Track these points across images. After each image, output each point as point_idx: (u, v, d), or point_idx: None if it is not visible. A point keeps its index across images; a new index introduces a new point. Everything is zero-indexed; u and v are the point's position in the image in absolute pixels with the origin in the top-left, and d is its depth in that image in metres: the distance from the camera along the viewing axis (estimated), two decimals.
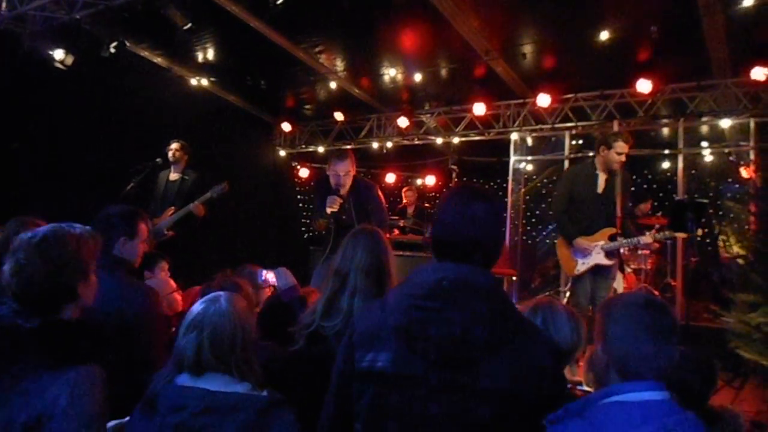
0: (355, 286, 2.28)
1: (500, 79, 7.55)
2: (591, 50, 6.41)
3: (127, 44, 6.54)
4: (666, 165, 9.45)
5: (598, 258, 4.79)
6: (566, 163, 8.25)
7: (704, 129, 7.91)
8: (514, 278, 7.96)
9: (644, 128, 8.04)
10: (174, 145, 5.80)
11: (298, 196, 11.19)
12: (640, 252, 7.11)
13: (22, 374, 1.63)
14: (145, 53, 7.64)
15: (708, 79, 7.10)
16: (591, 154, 5.13)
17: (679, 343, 1.53)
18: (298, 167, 10.94)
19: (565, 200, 4.97)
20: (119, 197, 5.23)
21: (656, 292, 7.15)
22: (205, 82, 8.29)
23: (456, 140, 9.02)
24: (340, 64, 7.91)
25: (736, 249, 7.19)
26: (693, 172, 8.47)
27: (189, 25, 6.01)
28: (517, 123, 8.47)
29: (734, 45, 6.20)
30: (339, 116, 9.23)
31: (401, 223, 8.43)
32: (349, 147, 9.38)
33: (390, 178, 11.12)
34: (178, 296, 3.74)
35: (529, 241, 10.05)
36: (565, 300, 6.22)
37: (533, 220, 10.20)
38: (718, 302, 5.12)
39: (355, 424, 1.55)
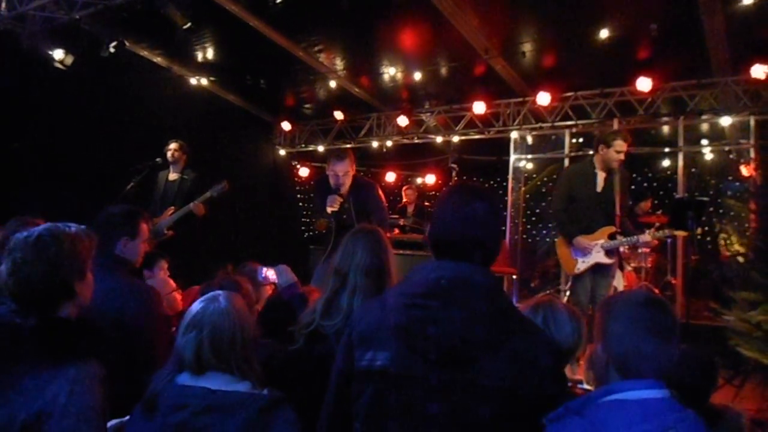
0: (355, 285, 2.28)
1: (500, 77, 7.55)
2: (591, 48, 6.41)
3: (127, 44, 6.54)
4: (666, 163, 9.45)
5: (598, 257, 4.79)
6: (566, 162, 8.25)
7: (704, 127, 7.91)
8: (514, 277, 7.96)
9: (644, 126, 8.05)
10: (172, 146, 5.80)
11: (298, 196, 11.19)
12: (640, 250, 7.11)
13: (22, 372, 1.63)
14: (145, 53, 7.64)
15: (708, 77, 7.09)
16: (591, 152, 5.12)
17: (679, 341, 1.53)
18: (298, 166, 10.94)
19: (564, 199, 4.96)
20: (119, 197, 5.23)
21: (657, 291, 7.14)
22: (204, 81, 8.29)
23: (456, 139, 9.02)
24: (339, 63, 7.91)
25: (736, 247, 7.19)
26: (693, 170, 8.47)
27: (188, 24, 6.01)
28: (517, 121, 8.47)
29: (734, 43, 6.20)
30: (339, 115, 9.23)
31: (401, 222, 8.43)
32: (348, 146, 9.39)
33: (390, 177, 11.12)
34: (177, 296, 3.73)
35: (530, 240, 10.05)
36: (565, 299, 6.21)
37: (533, 218, 10.20)
38: (719, 300, 5.12)
39: (354, 423, 1.55)
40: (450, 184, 7.67)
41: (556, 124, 8.18)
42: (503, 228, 8.65)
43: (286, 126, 9.97)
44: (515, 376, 1.42)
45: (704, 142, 8.15)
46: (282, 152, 10.54)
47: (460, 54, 7.02)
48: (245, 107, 9.45)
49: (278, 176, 10.49)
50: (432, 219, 1.68)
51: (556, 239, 5.19)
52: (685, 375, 2.06)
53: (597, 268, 4.83)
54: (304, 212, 11.21)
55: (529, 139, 8.79)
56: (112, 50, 6.28)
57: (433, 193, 10.99)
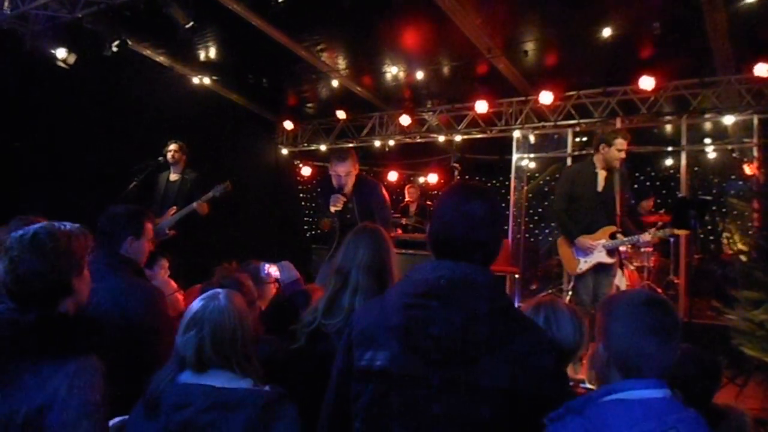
0: (357, 284, 2.28)
1: (502, 76, 7.53)
2: (593, 47, 6.40)
3: (129, 43, 6.54)
4: (669, 162, 9.44)
5: (600, 256, 4.79)
6: (569, 161, 8.24)
7: (707, 126, 7.89)
8: (516, 276, 7.95)
9: (647, 125, 8.04)
10: (172, 147, 5.81)
11: (301, 195, 11.20)
12: (643, 250, 7.09)
13: (22, 368, 1.64)
14: (147, 52, 7.65)
15: (711, 75, 7.08)
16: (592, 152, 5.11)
17: (680, 341, 1.52)
18: (301, 165, 10.95)
19: (565, 199, 4.96)
20: (121, 196, 5.24)
21: (659, 290, 7.13)
22: (207, 80, 8.30)
23: (458, 138, 9.02)
24: (342, 62, 7.91)
25: (739, 246, 7.17)
26: (696, 169, 8.46)
27: (191, 23, 6.01)
28: (519, 120, 8.45)
29: (737, 41, 6.18)
30: (341, 114, 9.23)
31: (403, 221, 8.44)
32: (351, 145, 9.40)
33: (392, 176, 11.12)
34: (179, 296, 3.73)
35: (532, 239, 10.03)
36: (567, 298, 6.21)
37: (536, 217, 10.19)
38: (722, 299, 5.11)
39: (354, 423, 1.55)
40: (451, 183, 7.68)
41: (559, 123, 8.17)
42: (505, 227, 8.65)
43: (288, 125, 9.97)
44: (516, 376, 1.42)
45: (707, 140, 8.13)
46: (284, 151, 10.55)
47: (463, 53, 7.01)
48: (247, 106, 9.45)
49: (280, 175, 10.49)
50: (432, 218, 1.68)
51: (557, 239, 5.18)
52: (689, 375, 2.05)
53: (599, 268, 4.83)
54: (307, 211, 11.22)
55: (532, 138, 8.78)
56: (114, 49, 6.29)
57: (436, 192, 10.99)
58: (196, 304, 1.82)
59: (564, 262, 5.08)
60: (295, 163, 10.91)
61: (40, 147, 6.15)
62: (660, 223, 6.17)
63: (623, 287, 6.10)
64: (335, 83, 8.27)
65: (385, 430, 1.48)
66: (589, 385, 2.41)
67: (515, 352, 1.45)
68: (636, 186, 9.55)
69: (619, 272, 5.26)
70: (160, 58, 7.84)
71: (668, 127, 8.20)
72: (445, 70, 7.69)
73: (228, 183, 5.45)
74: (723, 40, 6.14)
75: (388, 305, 1.59)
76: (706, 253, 7.90)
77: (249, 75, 8.17)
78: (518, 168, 8.86)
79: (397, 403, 1.47)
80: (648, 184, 9.71)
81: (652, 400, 1.42)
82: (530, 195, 9.38)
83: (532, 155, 8.95)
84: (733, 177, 8.46)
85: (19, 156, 6.01)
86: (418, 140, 9.45)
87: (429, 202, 9.05)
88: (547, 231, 10.01)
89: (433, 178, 10.89)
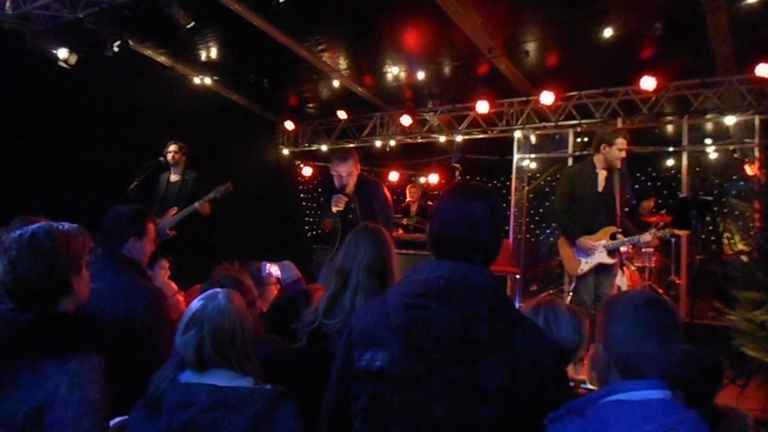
0: (358, 283, 2.28)
1: (503, 76, 7.54)
2: (594, 47, 6.39)
3: (131, 43, 6.55)
4: (670, 162, 9.43)
5: (601, 257, 4.79)
6: (570, 161, 8.24)
7: (708, 126, 7.88)
8: (517, 276, 7.95)
9: (648, 126, 8.02)
10: (172, 147, 5.82)
11: (301, 195, 11.19)
12: (644, 250, 7.09)
13: (23, 367, 1.64)
14: (149, 52, 7.66)
15: (712, 76, 7.07)
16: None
17: (681, 341, 1.52)
18: (302, 166, 10.95)
19: (566, 200, 4.96)
20: (122, 196, 5.24)
21: (660, 290, 7.13)
22: (208, 80, 8.30)
23: (459, 138, 9.01)
24: (343, 63, 7.92)
25: (740, 246, 7.17)
26: (697, 169, 8.45)
27: (192, 23, 6.03)
28: (520, 121, 8.45)
29: (739, 41, 6.17)
30: (342, 115, 9.23)
31: (404, 222, 8.44)
32: (352, 145, 9.39)
33: (393, 176, 11.12)
34: (180, 298, 3.73)
35: (533, 239, 10.03)
36: (568, 299, 6.20)
37: (537, 218, 10.18)
38: (723, 300, 5.10)
39: (354, 423, 1.55)
40: (451, 183, 7.68)
41: (560, 123, 8.17)
42: (506, 228, 8.64)
43: (289, 125, 9.97)
44: (516, 377, 1.42)
45: (708, 141, 8.12)
46: (285, 151, 10.55)
47: (464, 53, 7.01)
48: (248, 106, 9.46)
49: (281, 175, 10.50)
50: (432, 218, 1.67)
51: (558, 239, 5.18)
52: (691, 376, 2.05)
53: (600, 268, 4.83)
54: (308, 211, 11.22)
55: (533, 139, 8.77)
56: (115, 49, 6.29)
57: (437, 192, 10.98)
58: (196, 303, 1.83)
59: (565, 262, 5.07)
60: (296, 163, 10.91)
61: (41, 147, 6.16)
62: (661, 224, 6.17)
63: (624, 288, 6.09)
64: (336, 83, 8.27)
65: (385, 431, 1.48)
66: (590, 386, 2.41)
67: (515, 352, 1.44)
68: (637, 186, 9.53)
69: (620, 272, 5.26)
70: (161, 58, 7.85)
71: (669, 128, 8.19)
72: (446, 70, 7.69)
73: (229, 184, 5.46)
74: (724, 40, 6.14)
75: (388, 305, 1.58)
76: (708, 254, 7.89)
77: (250, 75, 8.18)
78: (519, 168, 8.85)
79: (398, 404, 1.47)
80: (649, 184, 9.70)
81: (652, 401, 1.42)
82: (531, 195, 9.37)
83: (533, 155, 8.95)
84: (734, 177, 8.45)
85: (20, 156, 6.01)
86: (419, 140, 9.45)
87: (430, 203, 9.05)
88: (548, 231, 10.01)
89: (434, 179, 10.88)
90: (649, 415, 1.38)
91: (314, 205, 11.24)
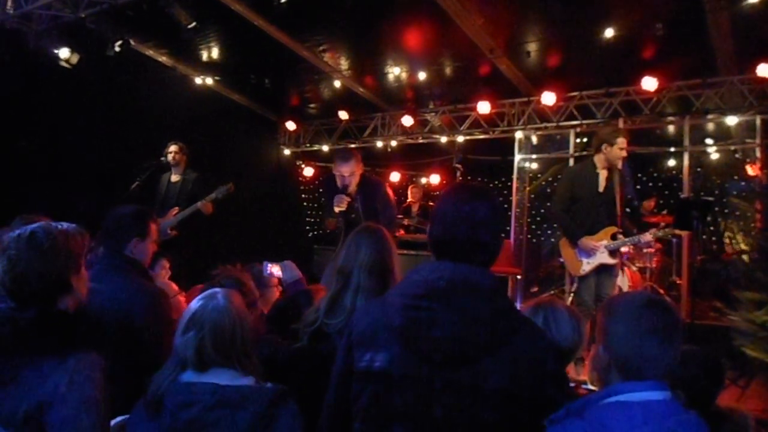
0: (359, 284, 2.27)
1: (505, 77, 7.53)
2: (596, 48, 6.39)
3: (132, 43, 6.56)
4: (671, 163, 9.41)
5: (603, 257, 4.79)
6: (571, 161, 8.23)
7: (710, 126, 7.88)
8: (518, 277, 7.95)
9: (649, 126, 8.02)
10: (172, 148, 5.83)
11: (303, 195, 11.20)
12: (645, 250, 7.09)
13: (23, 365, 1.65)
14: (150, 52, 7.66)
15: (714, 76, 7.06)
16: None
17: (681, 342, 1.52)
18: (303, 166, 10.94)
19: (566, 200, 4.95)
20: (123, 196, 5.25)
21: (662, 291, 7.12)
22: (209, 80, 8.30)
23: (460, 139, 9.00)
24: (344, 63, 7.91)
25: (742, 247, 7.17)
26: (699, 169, 8.44)
27: (193, 23, 6.03)
28: (521, 121, 8.45)
29: (740, 41, 6.17)
30: (343, 115, 9.23)
31: (405, 222, 8.43)
32: (353, 146, 9.38)
33: (394, 176, 11.11)
34: (182, 298, 3.73)
35: (534, 240, 10.03)
36: (569, 299, 6.20)
37: (538, 218, 10.17)
38: (724, 300, 5.10)
39: (354, 423, 1.55)
40: (452, 183, 7.68)
41: (561, 123, 8.16)
42: (507, 228, 8.64)
43: (290, 125, 9.98)
44: (517, 378, 1.42)
45: (710, 141, 8.12)
46: (286, 152, 10.55)
47: (465, 54, 7.00)
48: (250, 107, 9.46)
49: (283, 176, 10.50)
50: (432, 219, 1.67)
51: (560, 240, 5.18)
52: (692, 376, 2.05)
53: (601, 269, 4.83)
54: (309, 212, 11.22)
55: (534, 139, 8.76)
56: (117, 49, 6.30)
57: (438, 193, 10.98)
58: (195, 303, 1.83)
59: (567, 263, 5.07)
60: (298, 163, 10.91)
61: (42, 147, 6.17)
62: (662, 224, 6.17)
63: (625, 288, 6.09)
64: (337, 84, 8.27)
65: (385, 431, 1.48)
66: (591, 386, 2.41)
67: (516, 353, 1.44)
68: (638, 187, 9.53)
69: (621, 273, 5.26)
70: (163, 59, 7.86)
71: (671, 128, 8.18)
72: (448, 70, 7.69)
73: (231, 184, 5.47)
74: (726, 41, 6.13)
75: (388, 306, 1.58)
76: (709, 254, 7.88)
77: (251, 75, 8.19)
78: (520, 169, 8.84)
79: (398, 405, 1.47)
80: (650, 184, 9.69)
81: (652, 403, 1.41)
82: (532, 196, 9.36)
83: (534, 156, 8.94)
84: (735, 178, 8.43)
85: (22, 155, 6.02)
86: (421, 141, 9.45)
87: (431, 203, 9.04)
88: (549, 232, 10.00)
89: (435, 179, 10.88)
90: (649, 416, 1.38)
91: (315, 205, 11.24)
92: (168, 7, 5.78)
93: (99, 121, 6.58)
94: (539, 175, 9.47)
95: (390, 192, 4.44)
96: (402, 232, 8.23)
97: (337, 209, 4.20)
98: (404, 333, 1.50)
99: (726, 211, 8.46)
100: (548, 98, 7.66)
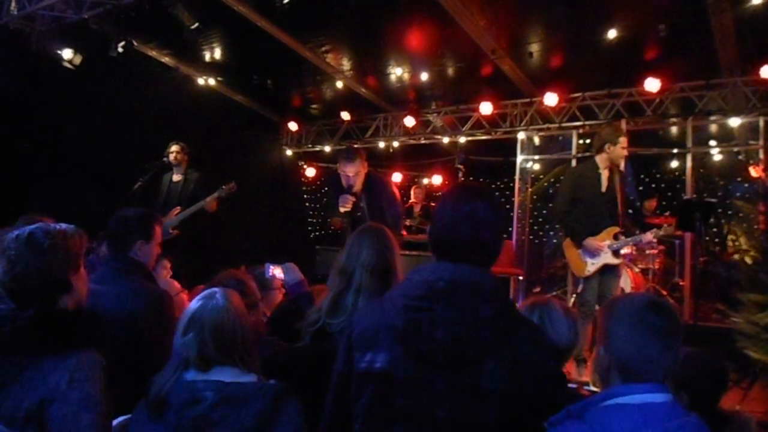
0: (360, 284, 2.27)
1: (507, 78, 7.52)
2: (598, 49, 6.39)
3: (135, 44, 6.57)
4: (674, 164, 9.40)
5: (607, 257, 4.80)
6: (574, 162, 8.21)
7: (713, 128, 7.87)
8: (520, 278, 7.93)
9: (652, 127, 8.00)
10: (174, 148, 5.85)
11: (305, 195, 11.20)
12: (647, 252, 7.07)
13: (24, 364, 1.66)
14: (153, 53, 7.68)
15: (717, 77, 7.05)
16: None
17: (681, 344, 1.51)
18: (305, 166, 10.95)
19: (568, 201, 4.95)
20: (126, 197, 5.26)
21: (664, 292, 7.11)
22: (212, 81, 8.32)
23: (463, 140, 9.01)
24: (346, 64, 7.92)
25: (745, 248, 7.14)
26: (702, 171, 8.42)
27: (196, 24, 6.04)
28: (524, 122, 8.45)
29: (743, 43, 6.15)
30: (345, 115, 9.24)
31: (408, 222, 8.43)
32: (355, 146, 9.38)
33: (396, 177, 11.11)
34: (184, 296, 3.73)
35: (536, 241, 10.02)
36: (571, 300, 6.19)
37: (540, 219, 10.16)
38: (727, 302, 5.09)
39: (354, 424, 1.55)
40: (452, 184, 7.67)
41: (564, 124, 8.16)
42: (510, 229, 8.63)
43: (292, 126, 9.99)
44: (518, 378, 1.42)
45: (713, 143, 8.10)
46: (289, 152, 10.56)
47: (467, 54, 7.00)
48: (252, 107, 9.47)
49: (285, 176, 10.51)
50: (432, 219, 1.67)
51: (563, 241, 5.17)
52: (696, 379, 2.05)
53: (605, 269, 4.84)
54: (311, 212, 11.22)
55: (536, 140, 8.76)
56: (120, 50, 6.32)
57: (440, 194, 10.96)
58: (194, 304, 1.83)
59: (571, 264, 5.07)
60: (300, 164, 10.92)
61: (45, 147, 6.18)
62: (666, 225, 6.16)
63: (628, 289, 6.08)
64: (340, 84, 8.27)
65: None
66: (593, 388, 2.40)
67: (517, 353, 1.44)
68: (641, 188, 9.53)
69: (623, 274, 5.26)
70: (166, 59, 7.87)
71: (674, 129, 8.17)
72: (450, 71, 7.69)
73: (233, 184, 5.48)
74: (729, 42, 6.12)
75: (388, 307, 1.58)
76: (712, 256, 7.87)
77: (254, 76, 8.20)
78: (523, 170, 8.83)
79: (400, 406, 1.47)
80: (653, 186, 9.67)
81: (653, 405, 1.41)
82: (535, 197, 9.36)
83: (536, 157, 8.93)
84: (738, 179, 8.43)
85: (25, 156, 6.03)
86: (423, 141, 9.46)
87: (433, 204, 9.03)
88: (551, 233, 9.99)
89: (437, 180, 10.88)
90: (649, 418, 1.37)
91: (317, 205, 11.24)
92: (171, 7, 5.80)
93: (102, 122, 6.59)
94: (541, 176, 9.47)
95: (395, 190, 4.44)
96: (404, 232, 8.22)
97: (342, 209, 4.20)
98: (405, 334, 1.50)
99: (729, 212, 8.44)
100: (551, 99, 7.66)
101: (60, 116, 6.28)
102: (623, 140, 4.81)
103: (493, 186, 10.43)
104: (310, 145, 10.33)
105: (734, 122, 7.28)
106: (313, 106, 9.70)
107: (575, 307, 5.03)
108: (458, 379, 1.43)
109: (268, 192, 9.74)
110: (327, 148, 10.10)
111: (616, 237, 4.82)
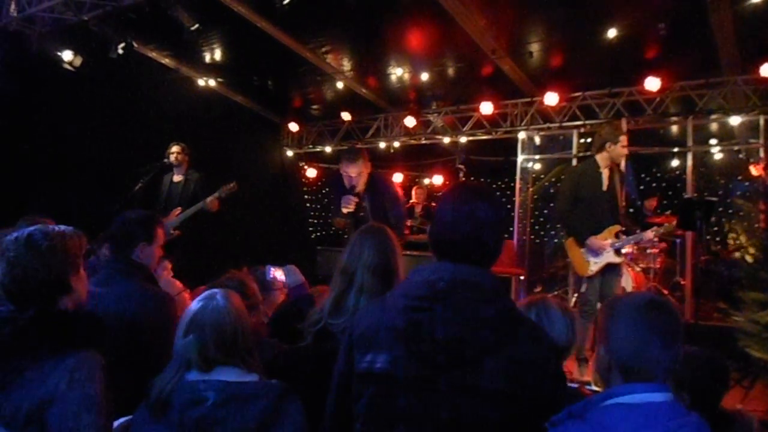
0: (362, 284, 2.27)
1: (507, 77, 7.52)
2: (599, 48, 6.38)
3: (135, 45, 6.57)
4: (675, 163, 9.40)
5: (609, 256, 4.80)
6: (574, 162, 8.21)
7: (713, 126, 7.86)
8: (521, 278, 7.93)
9: (653, 126, 8.00)
10: (174, 149, 5.86)
11: (306, 196, 11.20)
12: (649, 251, 7.07)
13: (24, 365, 1.66)
14: (153, 54, 7.68)
15: (717, 76, 7.05)
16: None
17: (682, 343, 1.51)
18: (306, 167, 10.95)
19: (570, 201, 4.95)
20: (126, 198, 5.27)
21: (665, 291, 7.11)
22: (212, 82, 8.32)
23: (463, 140, 9.01)
24: (347, 64, 7.92)
25: (745, 247, 7.14)
26: (702, 169, 8.42)
27: (196, 25, 6.04)
28: (524, 122, 8.45)
29: (743, 42, 6.15)
30: (346, 116, 9.24)
31: (409, 223, 8.42)
32: (357, 146, 9.38)
33: (397, 177, 11.10)
34: (186, 295, 3.73)
35: (537, 241, 10.01)
36: (573, 300, 6.20)
37: (541, 219, 10.16)
38: (728, 301, 5.09)
39: (355, 425, 1.55)
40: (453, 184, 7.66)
41: (564, 124, 8.16)
42: (510, 229, 8.63)
43: (293, 127, 9.99)
44: (518, 378, 1.42)
45: (713, 141, 8.10)
46: (289, 153, 10.56)
47: (468, 54, 7.00)
48: (253, 108, 9.47)
49: (285, 177, 10.51)
50: (433, 219, 1.67)
51: (565, 241, 5.16)
52: (697, 378, 2.04)
53: (607, 268, 4.83)
54: (312, 213, 11.22)
55: (537, 140, 8.75)
56: (120, 51, 6.32)
57: (441, 194, 10.94)
58: (195, 305, 1.84)
59: (574, 264, 5.06)
60: (300, 164, 10.92)
61: (46, 149, 6.18)
62: (667, 224, 6.15)
63: (629, 289, 6.08)
64: (340, 85, 8.27)
65: None
66: (595, 387, 2.41)
67: (518, 353, 1.44)
68: (642, 187, 9.53)
69: (625, 273, 5.26)
70: (166, 60, 7.87)
71: (674, 128, 8.17)
72: (450, 71, 7.69)
73: (234, 184, 5.49)
74: (729, 41, 6.12)
75: (389, 307, 1.58)
76: (713, 255, 7.86)
77: (254, 77, 8.20)
78: (523, 169, 8.83)
79: (401, 406, 1.47)
80: (654, 185, 9.68)
81: (653, 405, 1.40)
82: (535, 196, 9.35)
83: (537, 156, 8.92)
84: (739, 178, 8.42)
85: (25, 157, 6.04)
86: (423, 142, 9.45)
87: (434, 204, 9.02)
88: (552, 233, 9.99)
89: (438, 180, 10.87)
90: (650, 418, 1.37)
91: (318, 206, 11.24)
92: (171, 9, 5.80)
93: (102, 123, 6.60)
94: (542, 176, 9.46)
95: (398, 189, 4.44)
96: (407, 232, 8.22)
97: (344, 210, 4.20)
98: (406, 334, 1.50)
99: (730, 211, 8.44)
100: (551, 99, 7.66)
101: (60, 118, 6.29)
102: (624, 139, 4.82)
103: (494, 186, 10.43)
104: (310, 146, 10.33)
105: (734, 121, 7.28)
106: (314, 106, 9.70)
107: (576, 307, 5.03)
108: (459, 379, 1.43)
109: (269, 193, 9.74)
110: (328, 149, 10.10)
111: (617, 236, 4.82)
